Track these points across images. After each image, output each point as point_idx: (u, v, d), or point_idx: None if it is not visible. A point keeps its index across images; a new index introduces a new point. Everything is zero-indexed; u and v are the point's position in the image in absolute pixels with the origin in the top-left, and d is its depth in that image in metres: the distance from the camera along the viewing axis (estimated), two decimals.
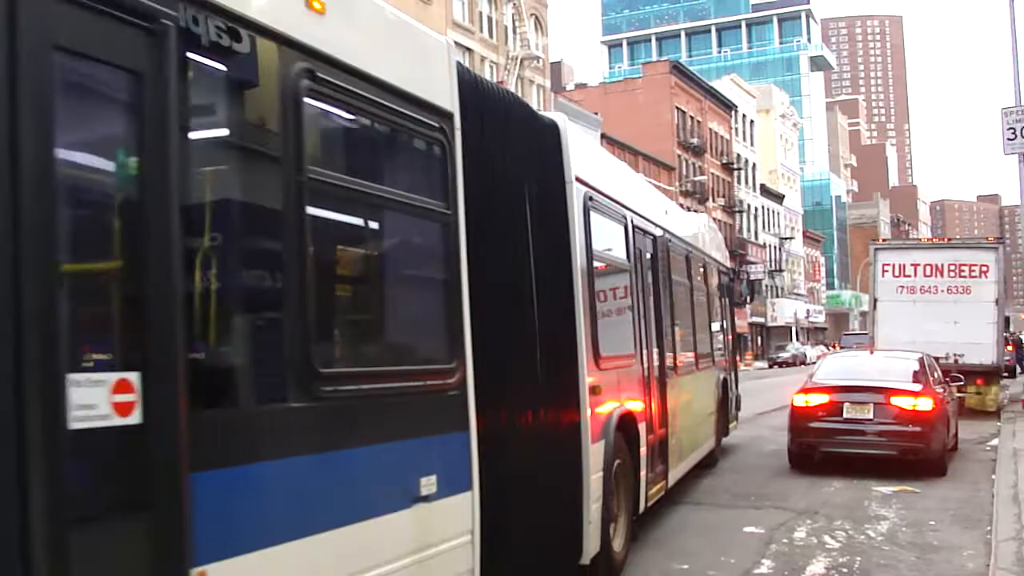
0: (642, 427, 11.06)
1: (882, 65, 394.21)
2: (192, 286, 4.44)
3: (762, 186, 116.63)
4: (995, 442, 20.74)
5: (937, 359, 21.66)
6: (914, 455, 16.92)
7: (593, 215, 9.65)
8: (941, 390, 18.37)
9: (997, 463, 17.23)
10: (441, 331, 6.65)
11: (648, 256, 12.49)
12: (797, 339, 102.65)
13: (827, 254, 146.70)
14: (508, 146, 7.96)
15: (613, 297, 10.72)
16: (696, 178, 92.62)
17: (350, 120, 5.91)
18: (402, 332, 6.62)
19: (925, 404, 16.99)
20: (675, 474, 13.28)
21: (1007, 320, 18.40)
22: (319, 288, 5.29)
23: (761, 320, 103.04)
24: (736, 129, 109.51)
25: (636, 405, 10.88)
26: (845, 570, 10.75)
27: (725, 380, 18.79)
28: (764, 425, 23.42)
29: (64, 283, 3.73)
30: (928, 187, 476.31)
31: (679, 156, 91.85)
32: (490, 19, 60.36)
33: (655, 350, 12.32)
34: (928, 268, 27.78)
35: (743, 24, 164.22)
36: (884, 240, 36.69)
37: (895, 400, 17.03)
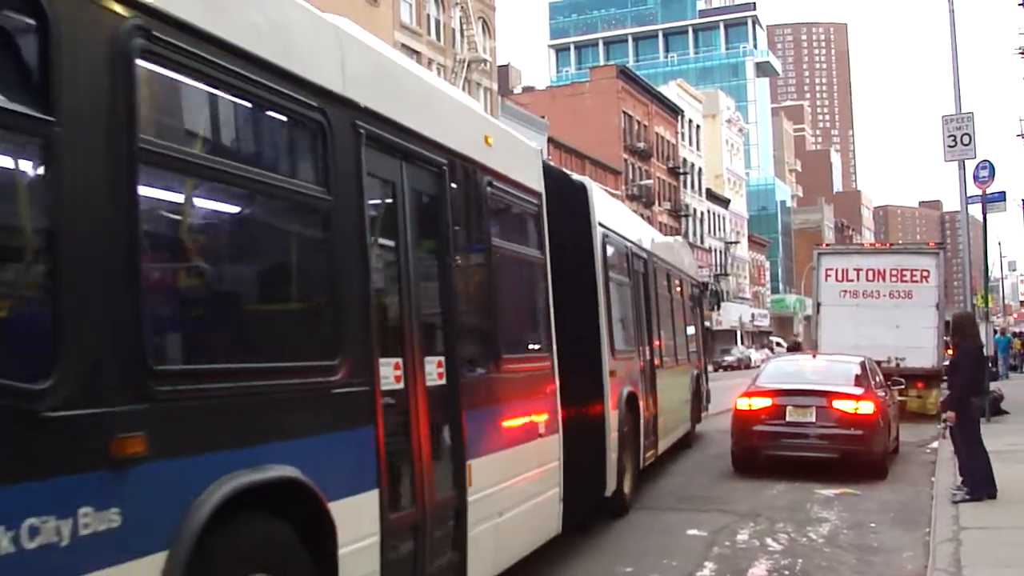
0: (641, 405, 14.87)
1: (827, 72, 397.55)
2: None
3: (708, 191, 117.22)
4: (935, 445, 20.95)
5: (879, 363, 21.88)
6: (855, 458, 17.08)
7: (608, 247, 13.47)
8: (882, 393, 18.55)
9: (936, 465, 17.42)
10: (546, 334, 10.70)
11: (641, 274, 16.30)
12: (742, 343, 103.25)
13: (772, 258, 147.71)
14: (560, 205, 11.48)
15: (620, 306, 14.28)
16: (642, 182, 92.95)
17: (508, 204, 9.91)
18: (539, 336, 10.69)
19: (866, 407, 17.16)
20: (663, 445, 17.35)
21: (947, 324, 18.62)
22: (502, 306, 9.42)
23: (707, 324, 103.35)
24: (682, 134, 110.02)
25: (638, 388, 14.71)
26: (787, 572, 10.85)
27: (698, 376, 22.80)
28: (709, 428, 23.52)
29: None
30: (872, 192, 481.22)
31: (626, 160, 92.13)
32: (438, 22, 60.26)
33: (647, 348, 16.14)
34: (871, 273, 28.01)
35: (690, 29, 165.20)
36: (828, 245, 37.03)
37: (837, 403, 17.17)
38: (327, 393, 6.04)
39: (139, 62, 4.65)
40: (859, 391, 17.60)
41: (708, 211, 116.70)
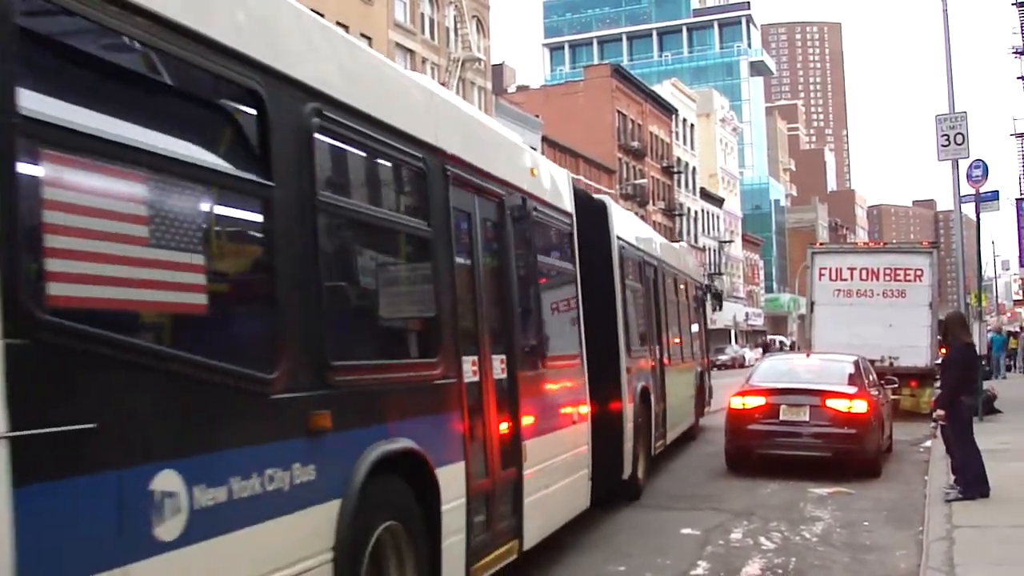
0: (653, 399, 16.33)
1: (821, 71, 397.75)
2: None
3: (702, 190, 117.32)
4: (928, 443, 21.02)
5: (872, 362, 21.92)
6: (849, 456, 17.11)
7: (624, 257, 14.99)
8: (876, 392, 18.58)
9: (930, 464, 17.45)
10: (577, 335, 12.38)
11: (651, 280, 17.93)
12: (736, 342, 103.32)
13: (766, 257, 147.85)
14: (583, 221, 12.95)
15: (634, 309, 15.78)
16: (636, 181, 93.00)
17: (548, 225, 11.54)
18: (572, 337, 12.31)
19: (860, 406, 17.19)
20: (671, 435, 18.76)
21: (941, 323, 18.76)
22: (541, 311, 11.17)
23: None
24: (676, 133, 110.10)
25: (650, 384, 16.16)
26: (780, 571, 10.86)
27: (702, 373, 24.43)
28: (703, 426, 23.55)
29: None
30: (866, 192, 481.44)
31: (619, 159, 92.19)
32: (432, 21, 60.29)
33: (657, 347, 17.68)
34: (864, 272, 28.06)
35: (684, 29, 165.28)
36: (822, 244, 36.96)
37: (830, 402, 17.20)
38: (431, 384, 7.71)
39: (316, 135, 6.22)
40: (852, 390, 17.63)
41: (702, 210, 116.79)
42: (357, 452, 6.43)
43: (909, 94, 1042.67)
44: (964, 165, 26.61)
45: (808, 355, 21.80)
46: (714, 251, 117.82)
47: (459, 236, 8.60)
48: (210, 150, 5.40)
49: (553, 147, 73.17)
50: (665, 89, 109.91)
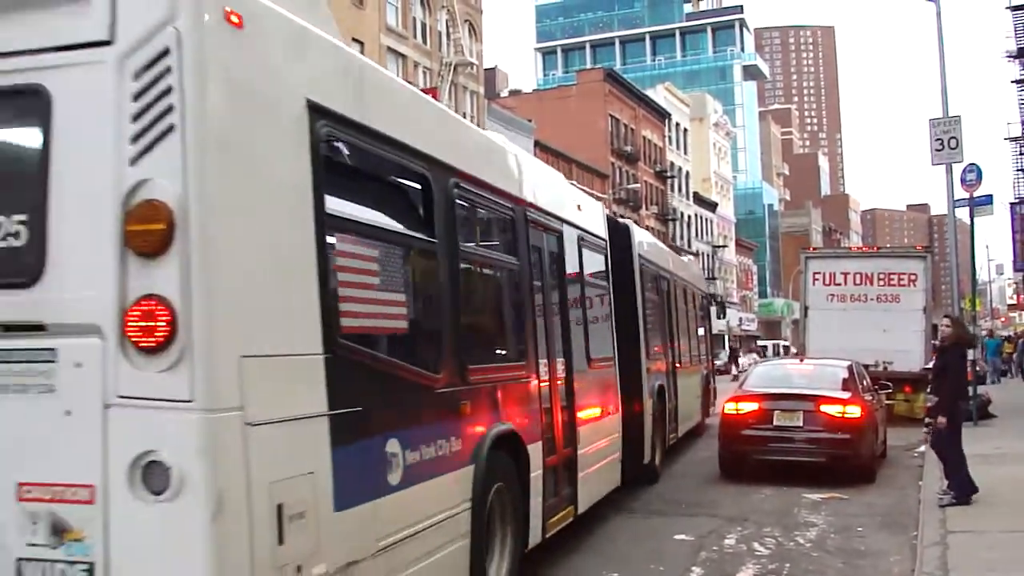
0: (667, 397, 18.65)
1: (814, 75, 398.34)
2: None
3: (695, 194, 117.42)
4: (922, 448, 21.00)
5: (867, 367, 21.91)
6: (843, 462, 17.13)
7: (644, 272, 17.38)
8: (870, 397, 18.62)
9: (924, 469, 17.48)
10: (611, 341, 14.59)
11: (665, 291, 20.34)
12: (729, 350, 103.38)
13: (760, 262, 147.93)
14: (612, 242, 15.35)
15: (651, 317, 17.95)
16: (629, 186, 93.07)
17: (590, 250, 13.69)
18: (607, 342, 14.45)
19: (854, 411, 17.21)
20: (682, 430, 21.04)
21: (935, 328, 18.63)
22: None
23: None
24: (670, 137, 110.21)
25: (665, 384, 18.53)
26: None
27: (707, 375, 27.18)
28: (708, 424, 23.61)
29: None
30: (860, 196, 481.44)
31: (612, 164, 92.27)
32: (424, 25, 60.29)
33: (670, 351, 20.04)
34: (858, 277, 28.13)
35: (677, 33, 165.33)
36: (815, 249, 37.20)
37: (824, 408, 17.22)
38: (519, 380, 10.01)
39: (456, 200, 8.56)
40: (846, 395, 17.66)
41: (695, 215, 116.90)
42: (483, 431, 8.75)
43: (903, 98, 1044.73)
44: (958, 169, 26.66)
45: (802, 360, 21.82)
46: (707, 256, 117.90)
47: (534, 265, 10.93)
48: (405, 223, 7.88)
49: (546, 151, 73.15)
50: (658, 93, 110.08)
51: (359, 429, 6.47)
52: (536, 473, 10.04)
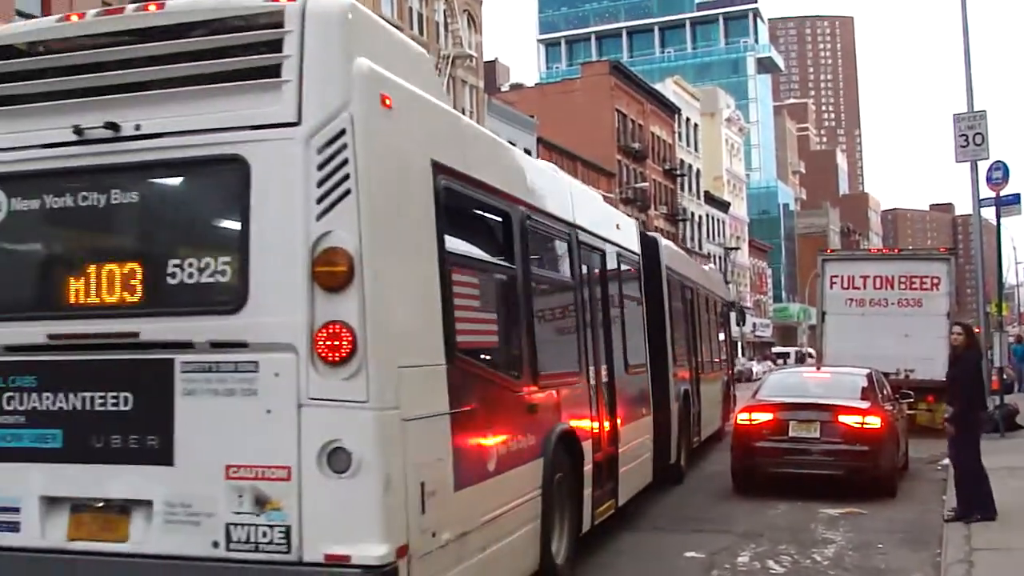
0: (691, 401, 20.68)
1: (832, 68, 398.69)
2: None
3: (706, 193, 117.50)
4: (946, 461, 20.99)
5: (887, 375, 21.90)
6: (862, 475, 17.12)
7: (670, 282, 19.27)
8: (891, 407, 18.61)
9: (948, 483, 17.44)
10: (643, 348, 16.27)
11: (689, 300, 22.23)
12: (743, 354, 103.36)
13: (774, 265, 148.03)
14: (644, 254, 17.15)
15: (678, 325, 19.92)
16: (637, 185, 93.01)
17: (626, 265, 15.51)
18: (641, 349, 16.16)
19: (874, 422, 17.19)
20: (704, 434, 22.97)
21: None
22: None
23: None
24: (679, 133, 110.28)
25: (689, 388, 20.52)
26: None
27: (728, 382, 28.98)
28: (707, 444, 23.59)
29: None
30: (880, 195, 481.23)
31: (619, 161, 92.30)
32: (420, 15, 60.34)
33: (694, 357, 21.95)
34: (878, 280, 28.13)
35: (687, 23, 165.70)
36: (833, 251, 37.12)
37: (842, 418, 17.20)
38: (574, 385, 11.81)
39: (528, 230, 10.52)
40: (865, 405, 17.64)
41: (706, 215, 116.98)
42: (549, 428, 10.53)
43: (926, 92, 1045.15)
44: (984, 167, 26.60)
45: (818, 368, 21.81)
46: (719, 258, 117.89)
47: (584, 282, 12.81)
48: (492, 252, 9.86)
49: (549, 148, 73.22)
50: (667, 87, 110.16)
51: (468, 425, 8.46)
52: (588, 467, 11.93)
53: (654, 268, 18.12)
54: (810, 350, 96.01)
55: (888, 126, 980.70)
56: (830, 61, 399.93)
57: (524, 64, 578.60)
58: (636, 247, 16.68)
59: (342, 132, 7.17)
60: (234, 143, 7.33)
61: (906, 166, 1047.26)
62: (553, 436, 10.53)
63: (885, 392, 19.22)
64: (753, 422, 17.71)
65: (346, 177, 7.15)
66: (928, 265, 28.38)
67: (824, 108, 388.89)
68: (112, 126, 7.57)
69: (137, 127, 7.56)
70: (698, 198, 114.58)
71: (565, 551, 11.00)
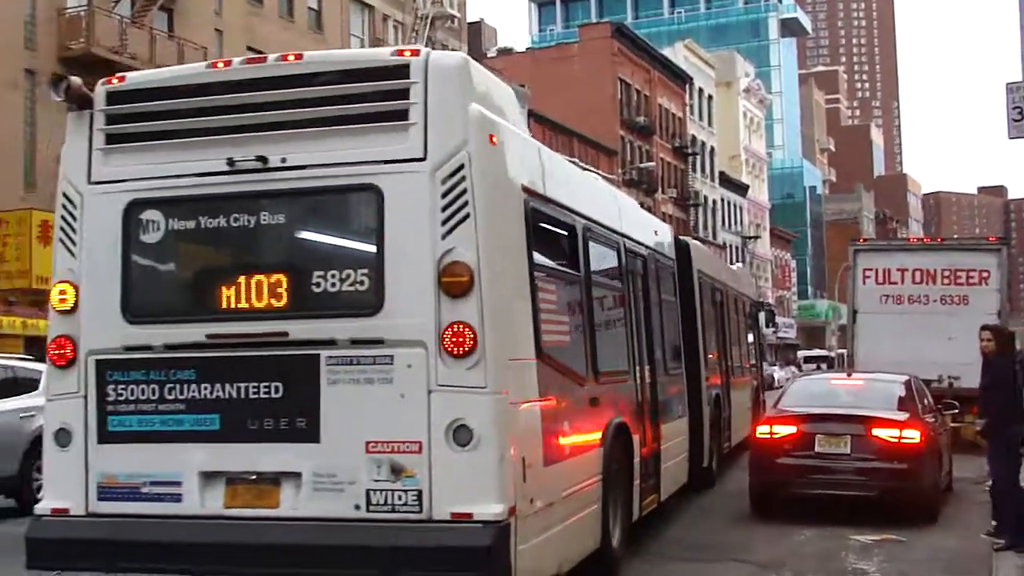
0: (722, 405, 23.26)
1: (867, 31, 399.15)
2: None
3: (721, 175, 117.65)
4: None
5: (928, 382, 21.91)
6: (899, 496, 17.12)
7: (702, 285, 21.63)
8: (932, 419, 18.62)
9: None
10: (679, 351, 18.70)
11: (719, 303, 24.62)
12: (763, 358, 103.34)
13: (799, 256, 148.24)
14: (680, 258, 20.03)
15: (709, 327, 22.47)
16: (642, 165, 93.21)
17: (664, 269, 18.24)
18: (677, 351, 18.76)
19: (912, 436, 17.16)
20: (735, 439, 25.08)
21: (1011, 336, 18.25)
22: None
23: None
24: (691, 106, 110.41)
25: (720, 393, 23.05)
26: None
27: (757, 387, 31.21)
28: (737, 451, 23.66)
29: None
30: (921, 177, 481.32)
31: (622, 138, 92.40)
32: None
33: (724, 361, 24.41)
34: (918, 274, 28.12)
35: None
36: (866, 240, 37.10)
37: (877, 431, 17.18)
38: (626, 383, 14.51)
39: (588, 241, 12.95)
40: (903, 416, 17.63)
41: (722, 199, 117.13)
42: (608, 421, 12.94)
43: (974, 58, 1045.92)
44: None
45: (849, 374, 21.82)
46: (736, 249, 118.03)
47: (631, 287, 15.45)
48: (562, 262, 12.14)
49: (542, 123, 73.21)
50: (677, 53, 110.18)
51: (551, 412, 10.83)
52: (637, 460, 14.41)
53: (686, 271, 20.65)
54: (840, 352, 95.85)
55: (931, 97, 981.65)
56: (864, 23, 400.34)
57: (514, 26, 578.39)
58: (671, 252, 19.55)
59: (461, 167, 9.72)
60: (369, 175, 9.89)
61: (951, 143, 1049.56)
62: (611, 428, 12.98)
63: (926, 402, 19.22)
64: (774, 436, 17.69)
65: (465, 204, 9.68)
66: (976, 257, 28.40)
67: (857, 77, 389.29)
68: (261, 159, 10.12)
69: (283, 160, 10.13)
70: (712, 180, 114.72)
71: (619, 536, 13.34)
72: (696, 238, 57.64)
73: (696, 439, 19.67)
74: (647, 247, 16.96)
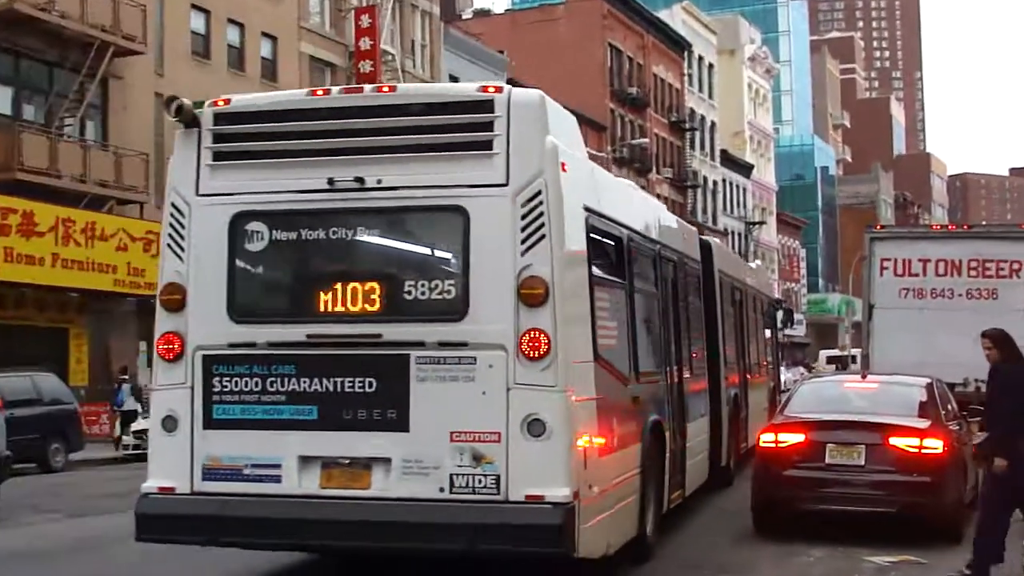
0: (740, 405, 26.01)
1: None
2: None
3: (723, 153, 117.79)
4: None
5: (952, 386, 21.91)
6: (919, 514, 17.11)
7: (723, 285, 24.26)
8: (956, 427, 18.66)
9: None
10: (703, 351, 22.02)
11: (739, 302, 27.41)
12: None
13: (809, 244, 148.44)
14: (702, 260, 22.51)
15: (729, 327, 25.14)
16: (635, 141, 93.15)
17: (693, 273, 21.60)
18: (701, 352, 21.98)
19: (935, 446, 17.16)
20: (751, 440, 24.89)
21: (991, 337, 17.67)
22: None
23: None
24: (690, 76, 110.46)
25: (738, 393, 25.85)
26: None
27: (774, 388, 35.14)
28: (741, 460, 23.73)
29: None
30: (946, 156, 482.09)
31: (612, 111, 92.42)
32: None
33: (742, 360, 27.19)
34: (942, 265, 28.05)
35: None
36: (884, 227, 37.04)
37: (895, 440, 17.19)
38: (659, 383, 16.79)
39: (630, 251, 15.59)
40: (924, 424, 17.61)
41: (723, 180, 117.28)
42: (645, 419, 15.50)
43: (1006, 26, 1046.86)
44: None
45: (864, 376, 21.86)
46: (739, 236, 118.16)
47: (664, 291, 17.99)
48: (610, 271, 14.43)
49: None
50: (675, 16, 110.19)
51: (604, 409, 13.25)
52: (667, 455, 16.86)
53: (708, 272, 23.25)
54: (834, 353, 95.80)
55: (957, 68, 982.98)
56: None
57: None
58: (697, 255, 22.29)
59: (539, 192, 12.07)
60: (457, 197, 12.22)
61: (980, 119, 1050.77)
62: (648, 425, 15.62)
63: (950, 408, 19.23)
64: (780, 445, 17.74)
65: (541, 225, 11.99)
66: (1008, 246, 28.33)
67: (876, 44, 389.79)
68: (359, 180, 12.46)
69: (379, 181, 12.46)
70: (712, 159, 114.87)
71: (652, 525, 15.81)
72: (694, 223, 57.70)
73: (715, 438, 22.57)
74: (677, 251, 19.71)
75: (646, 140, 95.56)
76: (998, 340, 14.76)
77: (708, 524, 19.33)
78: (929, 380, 19.49)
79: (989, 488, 14.14)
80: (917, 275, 28.06)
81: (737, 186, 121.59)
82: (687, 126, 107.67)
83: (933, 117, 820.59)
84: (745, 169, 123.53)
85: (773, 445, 17.82)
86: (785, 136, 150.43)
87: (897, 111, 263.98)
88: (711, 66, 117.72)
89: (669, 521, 17.46)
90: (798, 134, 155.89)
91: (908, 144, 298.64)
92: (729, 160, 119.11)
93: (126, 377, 42.58)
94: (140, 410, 38.52)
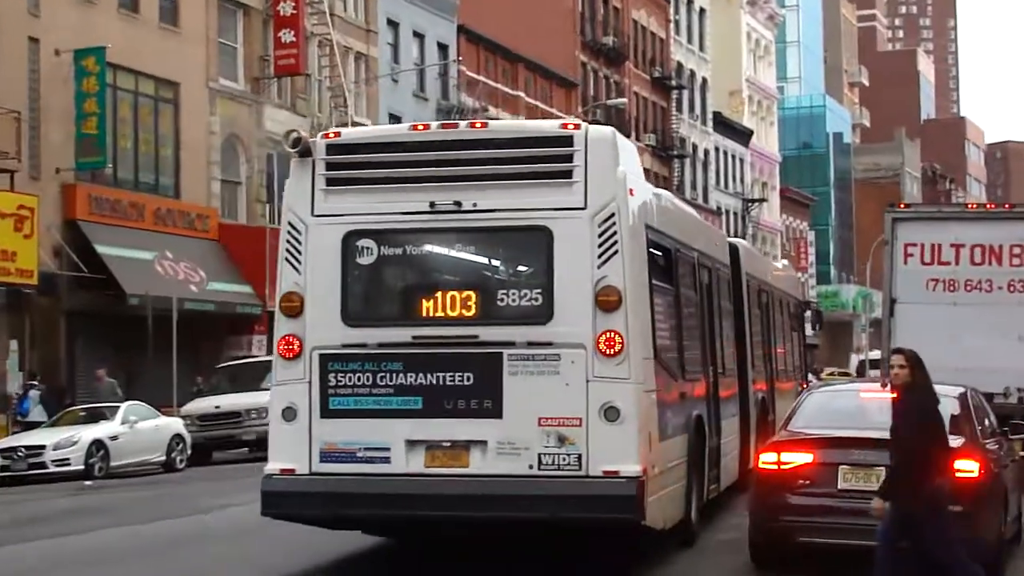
0: (768, 408, 30.41)
1: None
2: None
3: (717, 116, 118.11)
4: None
5: (989, 397, 21.89)
6: None
7: (750, 287, 29.25)
8: (995, 446, 18.68)
9: None
10: (734, 353, 27.40)
11: (765, 304, 31.70)
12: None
13: (819, 227, 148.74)
14: (730, 262, 27.90)
15: (756, 329, 29.55)
16: (610, 101, 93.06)
17: (724, 277, 26.91)
18: (732, 354, 27.44)
19: (969, 468, 17.08)
20: None
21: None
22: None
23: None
24: (676, 22, 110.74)
25: (766, 396, 30.50)
26: None
27: (800, 392, 36.95)
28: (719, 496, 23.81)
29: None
30: (984, 122, 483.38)
31: (584, 65, 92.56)
32: None
33: (769, 364, 31.64)
34: (978, 251, 28.13)
35: None
36: (908, 206, 37.13)
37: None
38: (700, 381, 22.31)
39: (677, 260, 21.15)
40: (957, 442, 17.56)
41: (716, 149, 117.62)
42: (690, 413, 20.39)
43: None
44: None
45: (884, 384, 21.89)
46: (735, 216, 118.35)
47: (701, 295, 22.69)
48: (662, 279, 19.57)
49: (477, 44, 73.01)
50: None
51: (661, 400, 17.55)
52: (707, 449, 21.55)
53: (735, 274, 27.72)
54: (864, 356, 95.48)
55: (998, 16, 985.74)
56: None
57: None
58: (727, 259, 26.95)
59: (613, 214, 16.32)
60: (542, 218, 16.50)
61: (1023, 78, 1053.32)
62: (692, 418, 20.28)
63: (987, 423, 19.23)
64: (783, 467, 17.70)
65: (615, 242, 16.21)
66: None
67: None
68: (457, 203, 16.70)
69: (474, 204, 16.69)
70: (704, 123, 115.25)
71: (695, 511, 20.17)
72: (681, 198, 57.92)
73: (744, 440, 27.11)
74: (711, 258, 24.74)
75: (624, 100, 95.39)
76: (911, 359, 15.54)
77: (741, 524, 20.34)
78: (962, 390, 19.27)
79: (933, 532, 14.30)
80: (948, 263, 28.16)
81: (733, 156, 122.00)
82: (673, 83, 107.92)
83: (969, 74, 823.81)
84: (743, 136, 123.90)
85: (775, 467, 17.76)
86: (791, 96, 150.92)
87: (925, 67, 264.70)
88: (702, 11, 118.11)
89: (707, 512, 22.11)
90: (807, 94, 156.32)
91: (939, 107, 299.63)
92: (724, 125, 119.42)
93: (35, 383, 42.20)
94: (47, 420, 38.41)
